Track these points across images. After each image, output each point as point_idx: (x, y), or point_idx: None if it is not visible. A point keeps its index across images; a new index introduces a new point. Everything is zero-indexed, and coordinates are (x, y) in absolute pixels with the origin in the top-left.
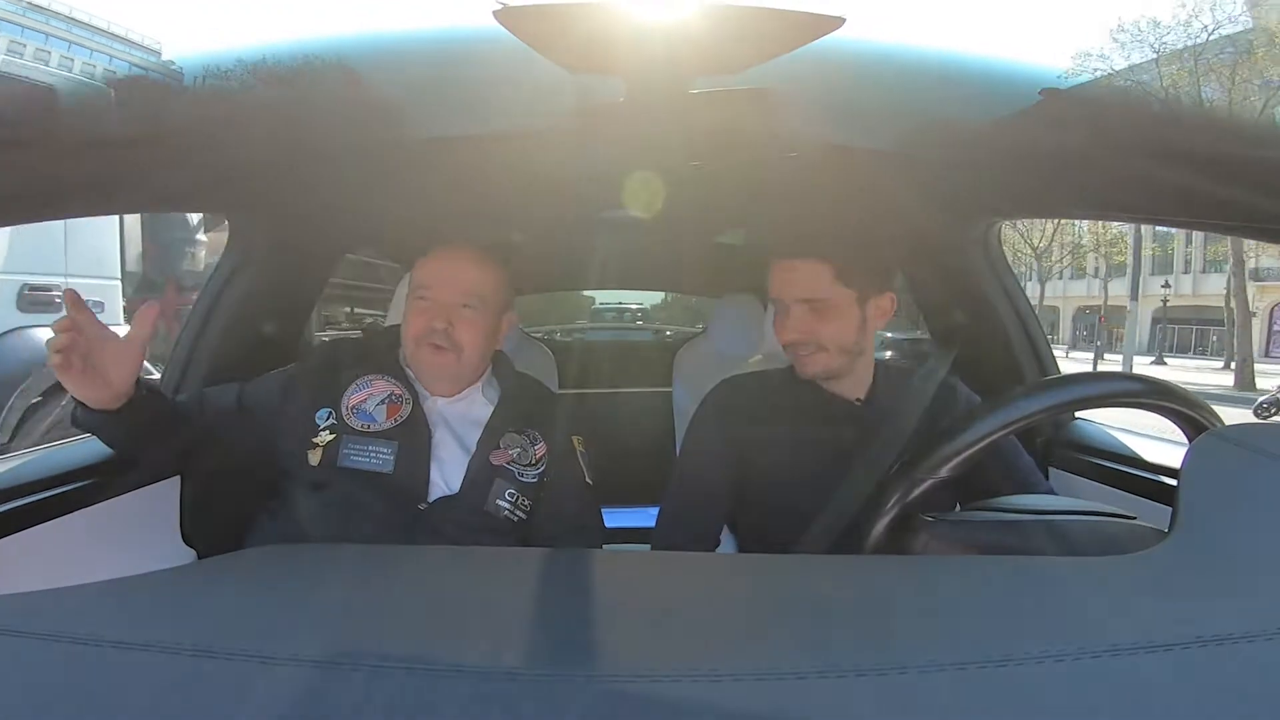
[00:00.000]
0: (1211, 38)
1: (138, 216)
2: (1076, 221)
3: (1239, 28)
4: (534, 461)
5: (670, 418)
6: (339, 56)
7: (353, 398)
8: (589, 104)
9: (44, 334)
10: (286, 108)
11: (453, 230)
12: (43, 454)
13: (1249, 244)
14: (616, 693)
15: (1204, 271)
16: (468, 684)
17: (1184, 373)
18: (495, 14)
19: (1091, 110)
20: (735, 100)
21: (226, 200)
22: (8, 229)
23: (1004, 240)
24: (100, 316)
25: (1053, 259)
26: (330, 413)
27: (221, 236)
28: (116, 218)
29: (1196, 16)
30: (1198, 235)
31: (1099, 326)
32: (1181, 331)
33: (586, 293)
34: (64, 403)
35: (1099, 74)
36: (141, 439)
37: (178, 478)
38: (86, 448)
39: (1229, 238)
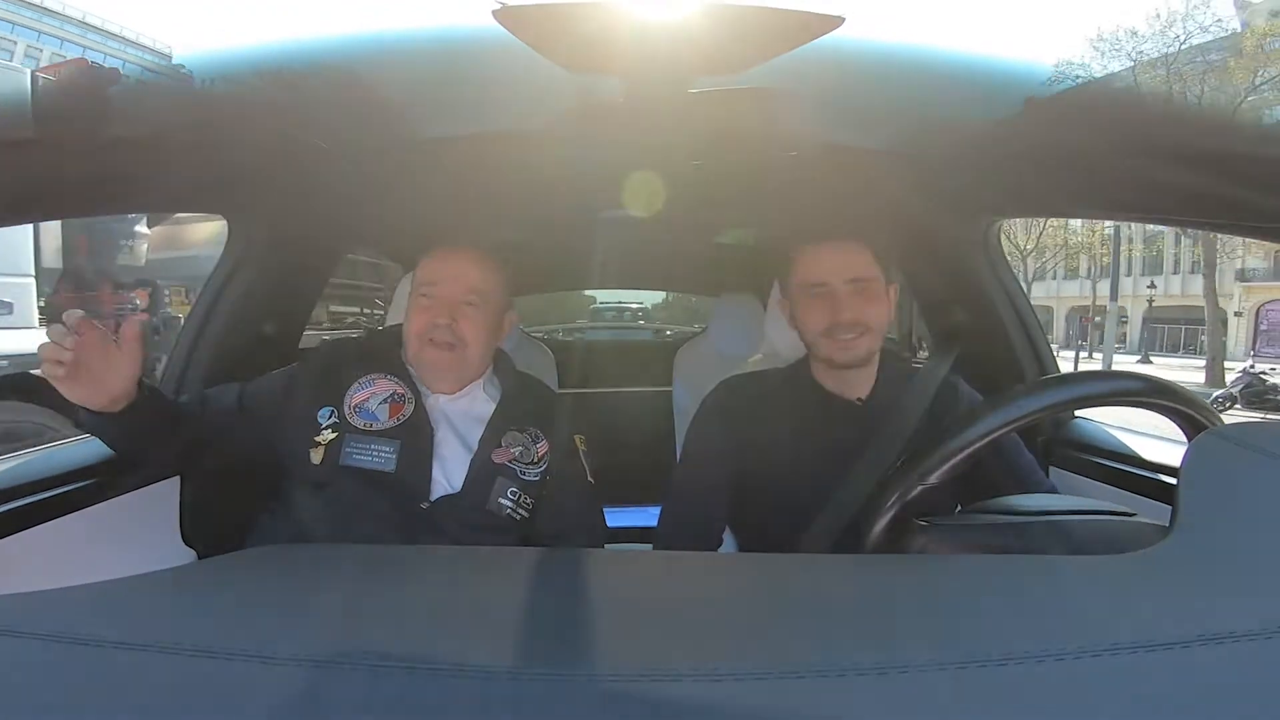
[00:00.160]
0: (1183, 47)
1: None
2: (1065, 223)
3: (1209, 37)
4: (536, 460)
5: (670, 417)
6: (338, 56)
7: (355, 396)
8: (589, 104)
9: None
10: (286, 108)
11: (452, 230)
12: (43, 454)
13: (1236, 245)
14: (618, 692)
15: (1192, 272)
16: (469, 683)
17: (1165, 370)
18: (494, 14)
19: (1091, 109)
20: (735, 100)
21: (226, 200)
22: None
23: None
24: (7, 319)
25: (1045, 259)
26: (332, 411)
27: (170, 230)
28: None
29: (1170, 26)
30: (1185, 237)
31: (1087, 326)
32: (1171, 331)
33: (587, 292)
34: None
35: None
36: (143, 439)
37: (178, 478)
38: (87, 448)
39: (1201, 245)
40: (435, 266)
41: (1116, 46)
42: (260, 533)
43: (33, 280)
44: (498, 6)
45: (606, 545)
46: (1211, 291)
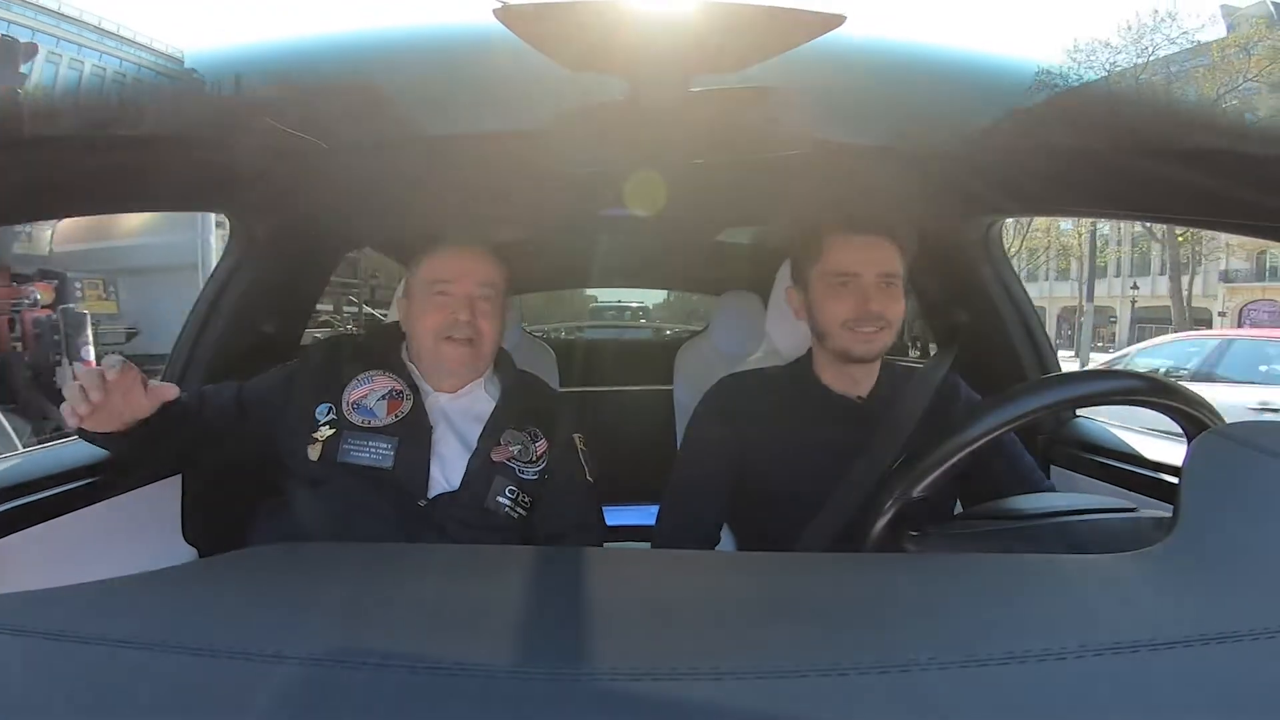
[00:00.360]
0: (1151, 59)
1: None
2: (1050, 226)
3: (1176, 49)
4: (535, 459)
5: (671, 416)
6: (340, 54)
7: (353, 393)
8: (590, 102)
9: None
10: (288, 106)
11: (454, 229)
12: (44, 452)
13: (1219, 247)
14: (617, 691)
15: (1174, 272)
16: (470, 682)
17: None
18: (496, 12)
19: (1093, 108)
20: (736, 98)
21: (228, 198)
22: None
23: None
24: None
25: (1036, 260)
26: (330, 408)
27: (88, 217)
28: None
29: (1140, 39)
30: (1170, 239)
31: (1074, 325)
32: (1158, 330)
33: (588, 291)
34: None
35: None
36: (144, 445)
37: (179, 476)
38: (88, 447)
39: (1168, 248)
40: (447, 263)
41: (1091, 57)
42: (260, 531)
43: None
44: (499, 5)
45: (605, 544)
46: (1177, 292)
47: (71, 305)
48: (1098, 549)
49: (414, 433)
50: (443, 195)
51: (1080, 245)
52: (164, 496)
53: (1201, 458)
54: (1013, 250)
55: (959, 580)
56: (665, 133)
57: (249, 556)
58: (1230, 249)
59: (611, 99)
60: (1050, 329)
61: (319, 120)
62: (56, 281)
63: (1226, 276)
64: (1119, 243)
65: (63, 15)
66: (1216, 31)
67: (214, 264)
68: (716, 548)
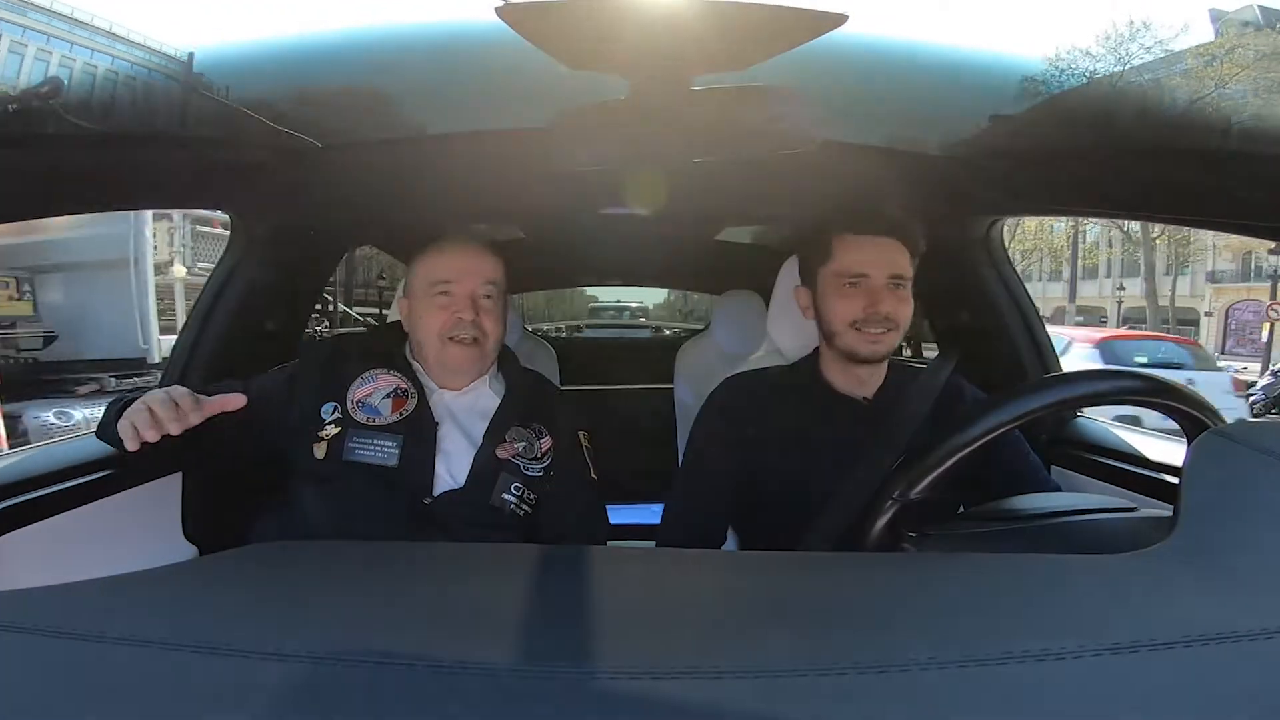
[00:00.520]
0: (1127, 68)
1: None
2: (1040, 227)
3: (1151, 57)
4: (539, 456)
5: (672, 415)
6: (341, 53)
7: (358, 392)
8: (591, 101)
9: None
10: (288, 104)
11: (455, 227)
12: (45, 450)
13: (1206, 247)
14: (619, 689)
15: (1165, 274)
16: (471, 680)
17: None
18: (498, 10)
19: (1094, 108)
20: (738, 97)
21: (229, 196)
22: None
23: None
24: None
25: (1030, 261)
26: (335, 407)
27: None
28: None
29: (1118, 47)
30: (1161, 241)
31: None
32: (1159, 331)
33: (588, 291)
34: None
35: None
36: (156, 447)
37: (180, 474)
38: (89, 444)
39: (1143, 249)
40: (448, 263)
41: (1072, 65)
42: (262, 528)
43: None
44: (501, 3)
45: (609, 542)
46: (1152, 293)
47: None
48: (1098, 549)
49: (419, 430)
50: (443, 194)
51: (1065, 247)
52: (165, 494)
53: (1202, 458)
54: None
55: (959, 580)
56: (666, 131)
57: (250, 554)
58: (1217, 250)
59: (612, 97)
60: None
61: (319, 119)
62: None
63: (1213, 277)
64: (1110, 244)
65: (52, 12)
66: (1198, 37)
67: (149, 259)
68: (721, 547)
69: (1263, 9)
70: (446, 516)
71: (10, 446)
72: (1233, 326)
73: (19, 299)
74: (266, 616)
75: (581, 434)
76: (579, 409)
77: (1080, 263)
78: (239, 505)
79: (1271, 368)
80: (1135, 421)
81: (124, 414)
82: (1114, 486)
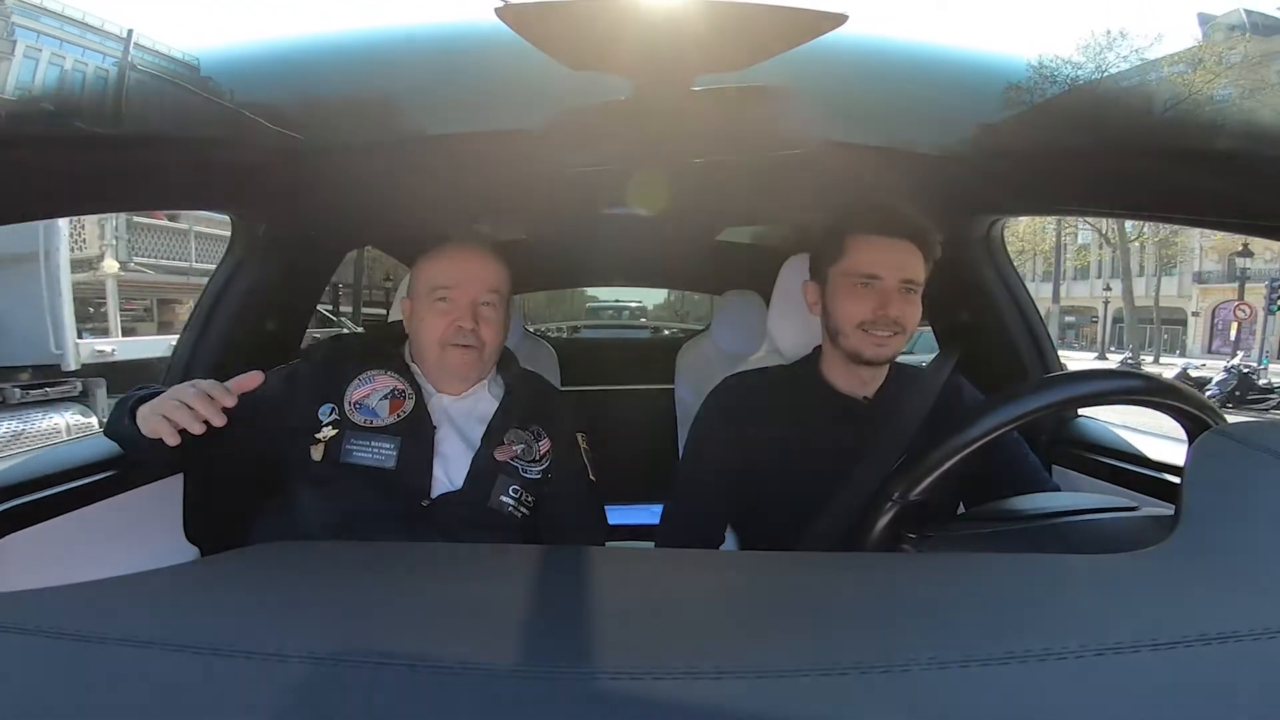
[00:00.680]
0: (1127, 68)
1: None
2: (1034, 228)
3: (1127, 65)
4: (538, 458)
5: (672, 415)
6: (342, 53)
7: (355, 393)
8: (592, 101)
9: None
10: (289, 105)
11: (457, 228)
12: (47, 451)
13: (1194, 246)
14: (619, 690)
15: (1154, 274)
16: (471, 681)
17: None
18: (497, 11)
19: (1095, 107)
20: (738, 97)
21: (230, 197)
22: None
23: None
24: None
25: (1022, 261)
26: (333, 408)
27: None
28: None
29: (1098, 55)
30: (1137, 244)
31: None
32: (1139, 330)
33: (587, 291)
34: None
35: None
36: (160, 448)
37: (181, 475)
38: (90, 445)
39: (1120, 249)
40: (448, 267)
41: (1072, 65)
42: (262, 530)
43: None
44: (500, 4)
45: (608, 543)
46: (1128, 293)
47: None
48: (1098, 549)
49: (417, 432)
50: (444, 195)
51: (1050, 250)
52: (166, 495)
53: (1203, 457)
54: None
55: (959, 580)
56: (667, 131)
57: (250, 555)
58: (1204, 252)
59: (613, 98)
60: None
61: (320, 121)
62: None
63: (1200, 278)
64: (1101, 246)
65: (43, 9)
66: (1184, 41)
67: (64, 253)
68: (720, 547)
69: (1249, 11)
70: (445, 518)
71: None
72: (1219, 326)
73: None
74: (267, 617)
75: (580, 435)
76: (578, 410)
77: (1073, 264)
78: (240, 506)
79: (1226, 364)
80: None
81: (149, 410)
82: (1115, 486)
